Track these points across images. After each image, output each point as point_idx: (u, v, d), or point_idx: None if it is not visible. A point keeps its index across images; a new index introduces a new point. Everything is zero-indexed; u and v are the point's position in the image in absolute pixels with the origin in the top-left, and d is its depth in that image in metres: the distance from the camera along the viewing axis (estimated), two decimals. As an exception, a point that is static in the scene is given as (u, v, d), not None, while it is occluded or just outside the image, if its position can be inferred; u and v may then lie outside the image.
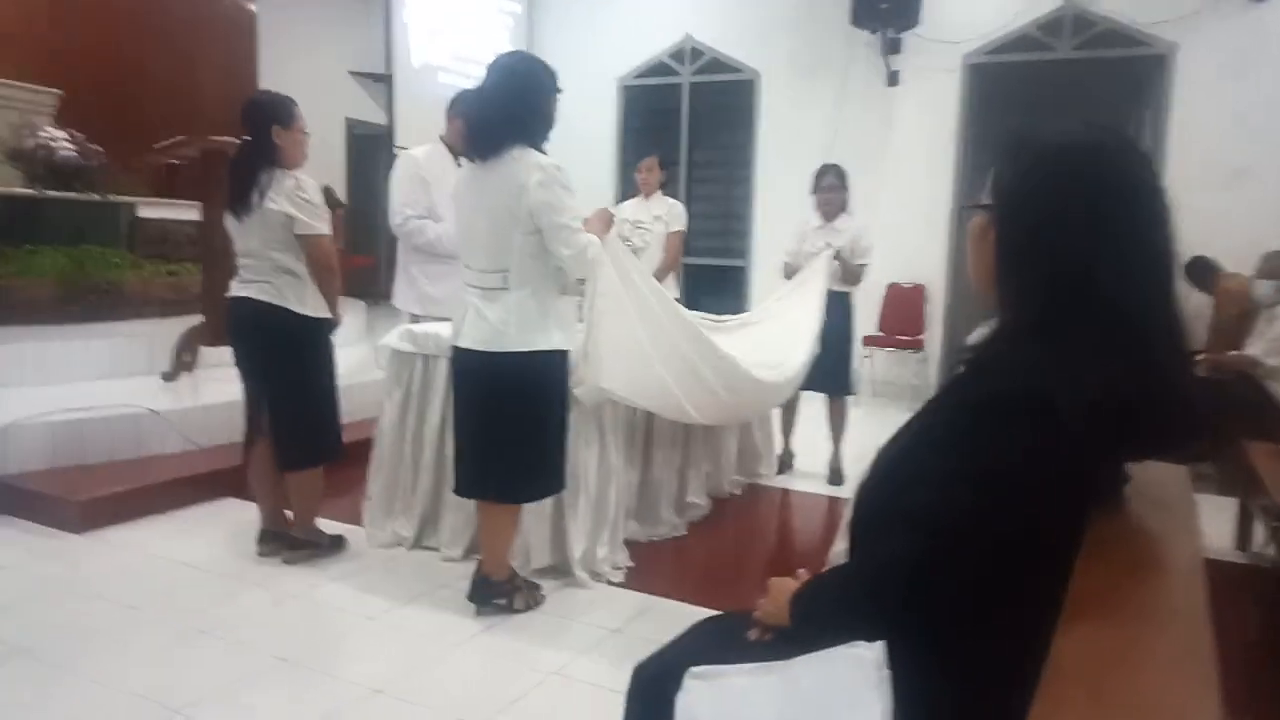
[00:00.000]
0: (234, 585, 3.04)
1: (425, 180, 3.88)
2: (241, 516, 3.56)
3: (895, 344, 6.99)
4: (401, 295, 4.10)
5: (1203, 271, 5.85)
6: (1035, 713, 0.69)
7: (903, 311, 7.19)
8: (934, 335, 7.21)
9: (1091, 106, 7.77)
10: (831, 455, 4.71)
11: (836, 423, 4.69)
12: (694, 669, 1.15)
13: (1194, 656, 0.77)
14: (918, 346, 7.02)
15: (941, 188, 7.03)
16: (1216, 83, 6.15)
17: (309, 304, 3.07)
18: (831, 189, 4.50)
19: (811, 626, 1.18)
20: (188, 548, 3.36)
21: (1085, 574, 0.92)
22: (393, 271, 4.18)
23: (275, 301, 3.02)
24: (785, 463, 4.80)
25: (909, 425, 1.22)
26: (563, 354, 2.75)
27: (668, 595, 3.08)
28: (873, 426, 4.58)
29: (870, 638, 1.07)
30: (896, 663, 1.01)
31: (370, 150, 9.26)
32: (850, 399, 4.75)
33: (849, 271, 4.45)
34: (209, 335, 4.62)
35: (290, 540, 3.24)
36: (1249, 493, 3.57)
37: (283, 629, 2.75)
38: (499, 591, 2.86)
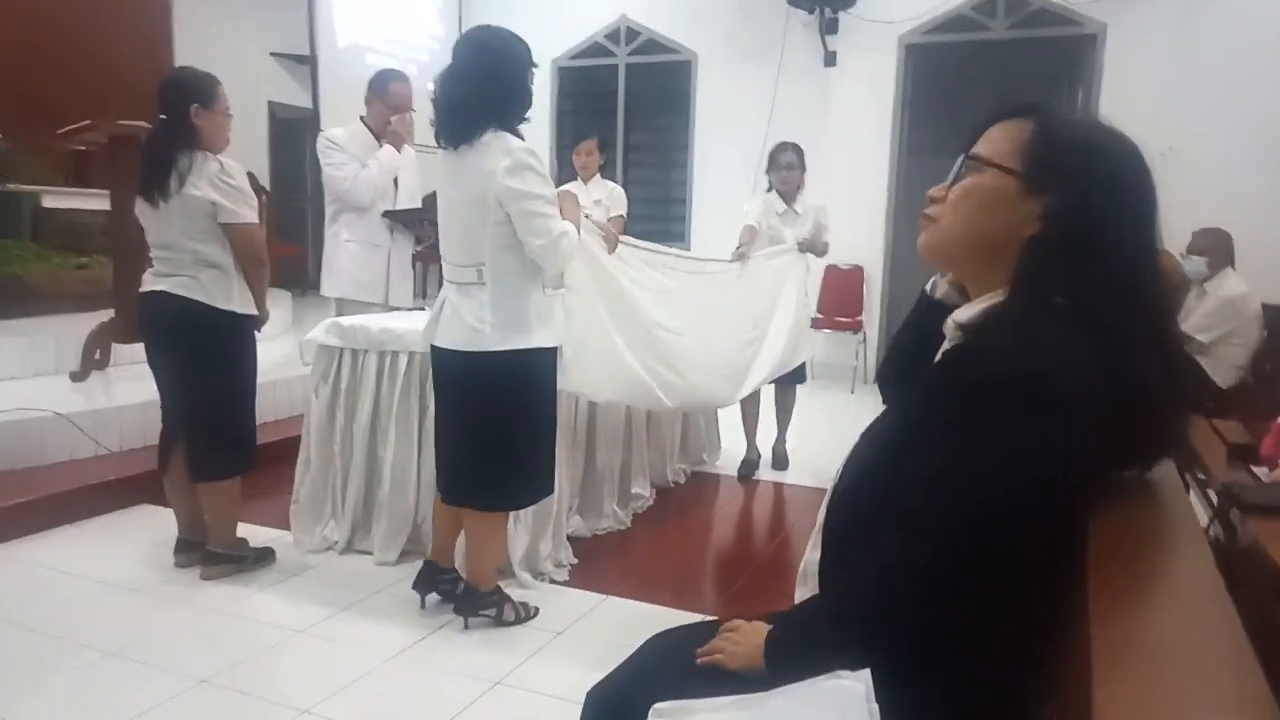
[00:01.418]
0: (152, 602, 2.83)
1: (345, 159, 3.78)
2: (159, 525, 3.34)
3: (834, 326, 6.97)
4: (330, 282, 3.93)
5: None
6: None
7: (841, 294, 7.17)
8: (872, 318, 7.22)
9: (1025, 85, 7.84)
10: (776, 440, 4.62)
11: (784, 410, 4.60)
12: (659, 705, 1.03)
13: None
14: (856, 329, 7.01)
15: (879, 168, 7.03)
16: (1147, 61, 6.23)
17: (234, 299, 2.85)
18: (790, 167, 4.32)
19: (796, 672, 1.06)
20: (100, 562, 3.13)
21: (1101, 574, 0.82)
22: (320, 260, 4.01)
23: (196, 297, 2.79)
24: (753, 465, 4.50)
25: (884, 419, 1.11)
26: (546, 351, 2.57)
27: (614, 593, 2.97)
28: (814, 409, 4.58)
29: (856, 665, 0.97)
30: (885, 693, 0.91)
31: (294, 134, 8.91)
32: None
33: (816, 248, 4.33)
34: (122, 332, 4.36)
35: (208, 555, 3.00)
36: (1184, 469, 3.58)
37: (205, 648, 2.55)
38: (486, 603, 2.70)
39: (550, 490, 2.78)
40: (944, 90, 7.88)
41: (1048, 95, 7.66)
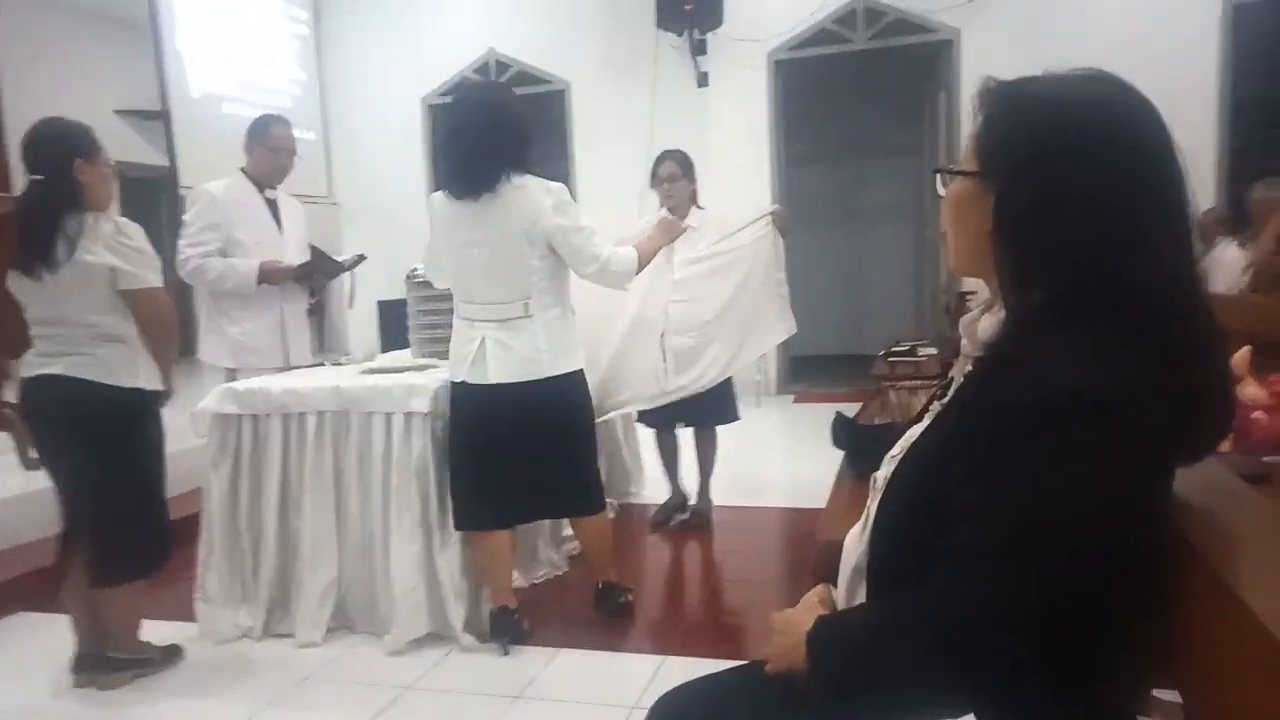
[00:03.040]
0: (47, 725, 2.49)
1: (218, 219, 3.48)
2: (45, 637, 2.96)
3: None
4: (209, 348, 3.62)
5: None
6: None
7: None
8: (771, 329, 7.27)
9: (890, 91, 8.14)
10: (699, 493, 4.02)
11: (705, 454, 3.99)
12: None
13: None
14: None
15: (761, 182, 7.11)
16: (1000, 63, 6.40)
17: (140, 374, 2.54)
18: (672, 178, 3.70)
19: (845, 676, 0.99)
20: (-24, 685, 2.75)
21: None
22: (193, 323, 3.69)
23: (98, 378, 2.47)
24: (675, 508, 4.05)
25: (924, 439, 1.03)
26: (582, 371, 2.81)
27: (568, 645, 2.80)
28: (719, 428, 4.20)
29: (926, 687, 0.89)
30: None
31: (146, 195, 8.33)
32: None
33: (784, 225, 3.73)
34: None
35: (108, 662, 2.65)
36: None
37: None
38: (621, 591, 3.00)
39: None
40: (815, 101, 8.11)
41: (912, 99, 7.98)
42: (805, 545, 3.72)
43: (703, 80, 7.04)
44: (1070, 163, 0.93)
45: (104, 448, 2.52)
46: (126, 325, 2.52)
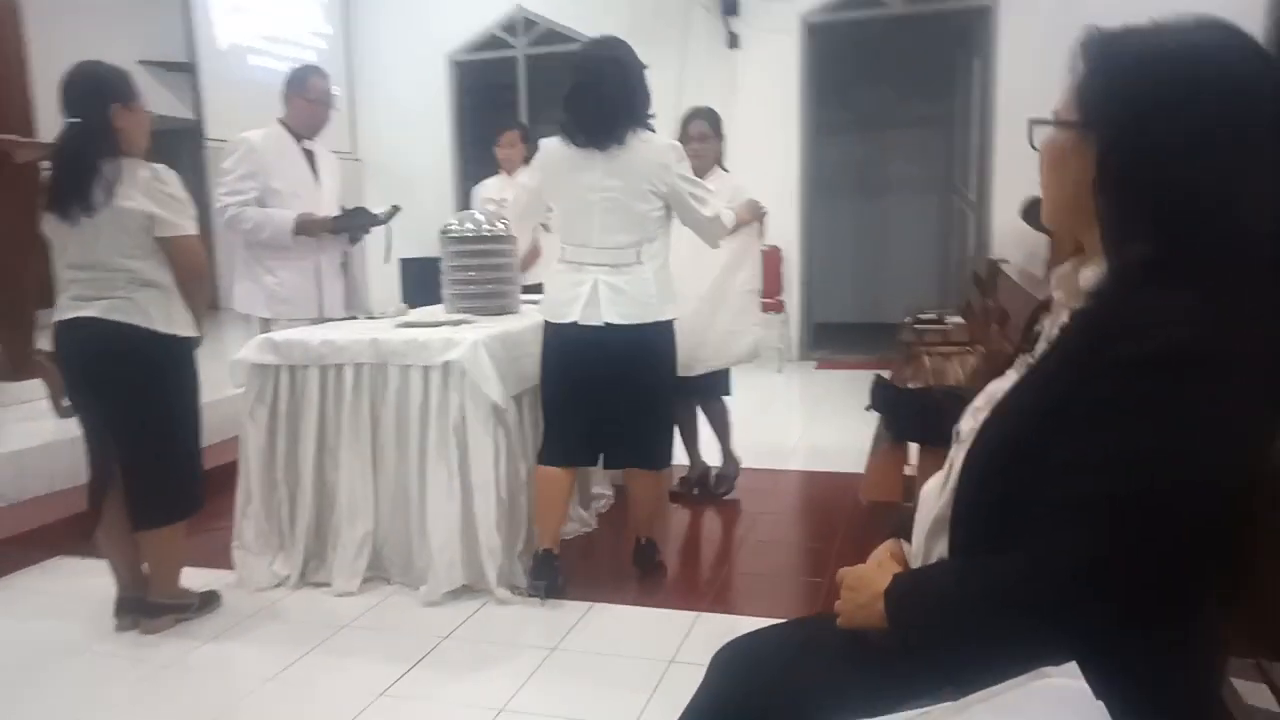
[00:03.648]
0: (96, 666, 2.51)
1: (256, 168, 3.47)
2: (82, 581, 2.99)
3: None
4: (245, 298, 3.63)
5: (1039, 213, 6.14)
6: None
7: (762, 274, 7.15)
8: (792, 297, 7.25)
9: (923, 59, 8.02)
10: (724, 454, 3.94)
11: (719, 423, 3.92)
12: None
13: None
14: (778, 309, 7.02)
15: (789, 148, 7.05)
16: (1040, 30, 6.37)
17: (176, 321, 2.54)
18: (702, 137, 3.63)
19: (934, 633, 0.99)
20: (17, 626, 2.79)
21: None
22: (225, 274, 3.71)
23: (136, 322, 2.46)
24: (696, 483, 3.95)
25: (1018, 392, 1.01)
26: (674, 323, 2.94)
27: (598, 599, 2.82)
28: (744, 391, 4.19)
29: (1028, 650, 0.88)
30: (1105, 683, 0.82)
31: (171, 147, 8.27)
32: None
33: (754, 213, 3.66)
34: (7, 368, 3.94)
35: (149, 607, 2.68)
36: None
37: (173, 711, 2.28)
38: (657, 549, 3.05)
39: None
40: (847, 68, 8.00)
41: (946, 68, 7.86)
42: (831, 507, 3.74)
43: (733, 42, 6.96)
44: (1179, 114, 0.91)
45: (142, 391, 2.53)
46: (162, 271, 2.52)
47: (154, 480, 2.59)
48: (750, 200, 3.59)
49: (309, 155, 3.63)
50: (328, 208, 3.62)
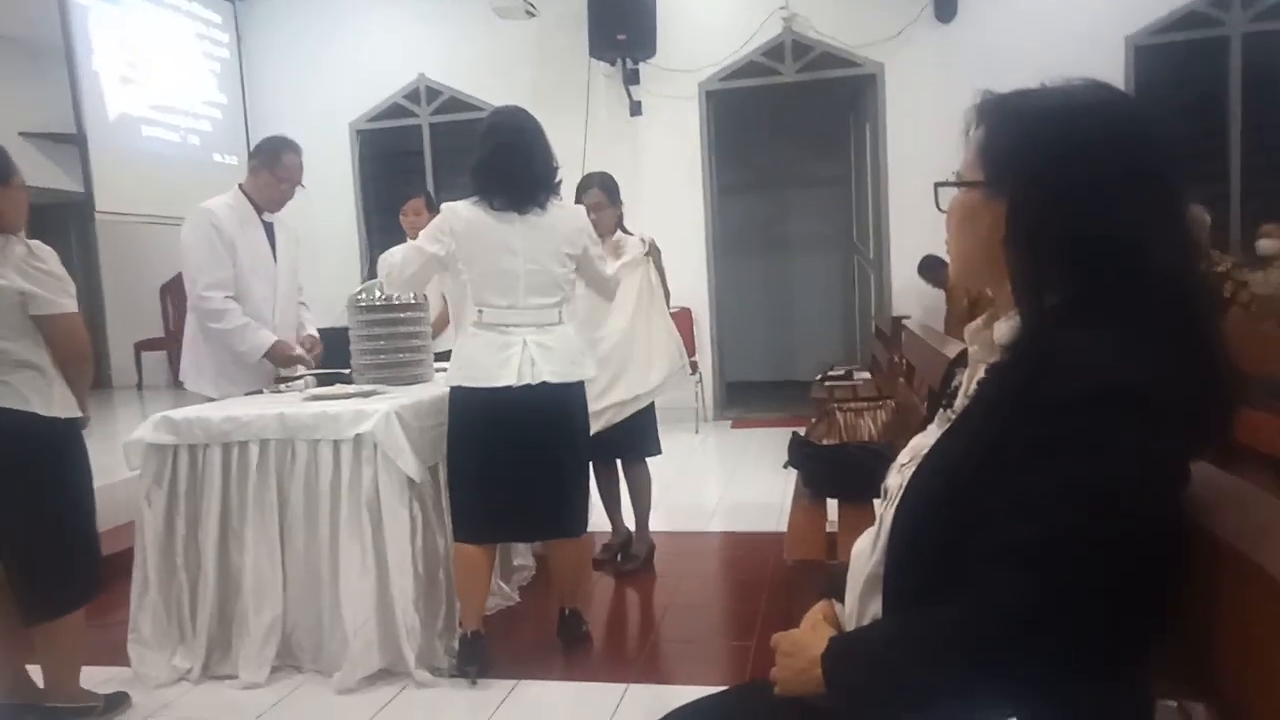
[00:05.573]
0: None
1: (224, 247, 3.29)
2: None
3: (672, 369, 6.99)
4: (194, 374, 3.43)
5: (935, 267, 6.41)
6: None
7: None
8: (705, 357, 7.33)
9: (817, 122, 8.36)
10: (638, 531, 3.80)
11: (640, 490, 3.77)
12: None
13: None
14: (692, 370, 7.07)
15: (694, 211, 7.20)
16: (922, 94, 6.73)
17: (56, 403, 2.40)
18: (598, 207, 3.49)
19: (875, 694, 0.98)
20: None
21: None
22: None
23: (13, 406, 2.33)
24: (619, 549, 3.84)
25: (944, 446, 1.03)
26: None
27: (525, 676, 2.73)
28: (662, 455, 4.11)
29: (971, 702, 0.89)
30: None
31: (54, 222, 7.98)
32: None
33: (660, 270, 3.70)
34: None
35: (46, 713, 2.47)
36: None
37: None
38: (582, 620, 3.02)
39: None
40: (748, 129, 8.28)
41: (839, 130, 8.19)
42: (754, 567, 3.73)
43: (636, 109, 7.11)
44: (1083, 163, 0.96)
45: (24, 479, 2.37)
46: (38, 351, 2.39)
47: (43, 569, 2.41)
48: (607, 243, 3.47)
49: (268, 229, 3.47)
50: (285, 286, 3.48)
